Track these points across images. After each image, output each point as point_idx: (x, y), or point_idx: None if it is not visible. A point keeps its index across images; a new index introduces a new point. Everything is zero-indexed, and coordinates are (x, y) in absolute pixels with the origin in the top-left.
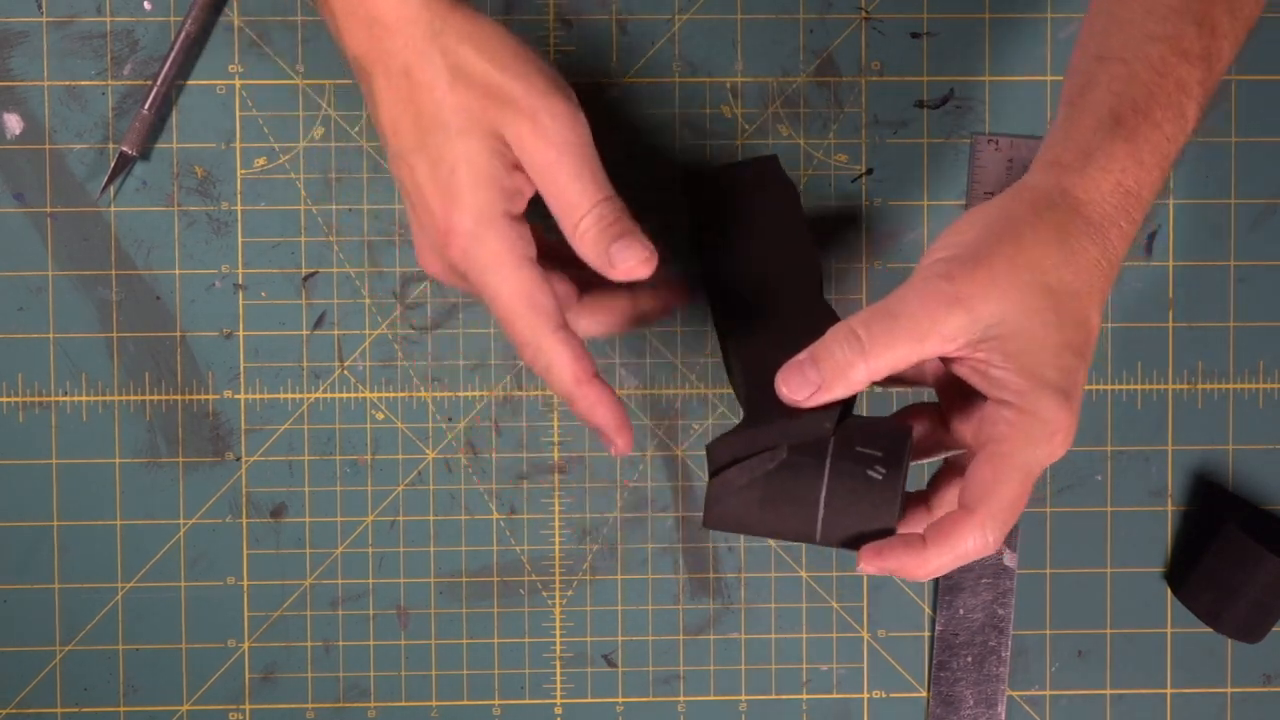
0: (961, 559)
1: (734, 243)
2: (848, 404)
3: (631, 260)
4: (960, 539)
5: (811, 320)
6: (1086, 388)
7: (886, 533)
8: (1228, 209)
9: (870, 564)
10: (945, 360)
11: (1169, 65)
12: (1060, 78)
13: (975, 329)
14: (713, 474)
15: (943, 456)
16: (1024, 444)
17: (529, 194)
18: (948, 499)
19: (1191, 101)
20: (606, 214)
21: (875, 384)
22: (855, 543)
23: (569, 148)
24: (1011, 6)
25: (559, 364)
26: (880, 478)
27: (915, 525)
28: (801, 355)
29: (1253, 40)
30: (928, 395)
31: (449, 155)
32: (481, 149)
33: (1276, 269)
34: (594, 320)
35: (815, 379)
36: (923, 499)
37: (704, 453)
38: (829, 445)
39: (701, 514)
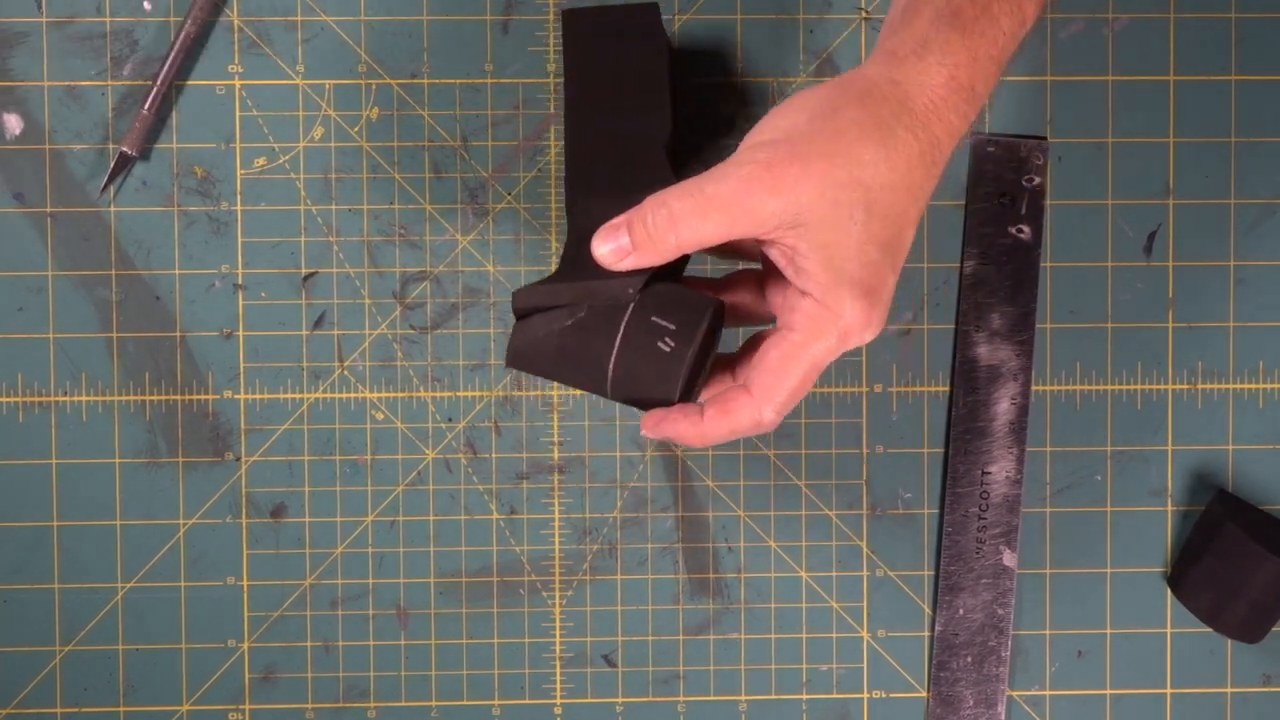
0: (736, 434)
1: (596, 89)
2: (668, 272)
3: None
4: (736, 415)
5: (651, 185)
6: (1086, 388)
7: (669, 402)
8: (1227, 209)
9: (651, 430)
10: (758, 241)
11: None
12: (1062, 77)
13: (787, 215)
14: (519, 318)
15: (762, 327)
16: (815, 336)
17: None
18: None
19: (1030, 1)
20: None
21: (704, 252)
22: (644, 405)
23: None
24: None
25: None
26: (668, 350)
27: (720, 388)
28: (618, 219)
29: (1253, 40)
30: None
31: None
32: None
33: (1276, 269)
34: None
35: (626, 245)
36: (729, 364)
37: (696, 447)
38: (626, 311)
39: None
